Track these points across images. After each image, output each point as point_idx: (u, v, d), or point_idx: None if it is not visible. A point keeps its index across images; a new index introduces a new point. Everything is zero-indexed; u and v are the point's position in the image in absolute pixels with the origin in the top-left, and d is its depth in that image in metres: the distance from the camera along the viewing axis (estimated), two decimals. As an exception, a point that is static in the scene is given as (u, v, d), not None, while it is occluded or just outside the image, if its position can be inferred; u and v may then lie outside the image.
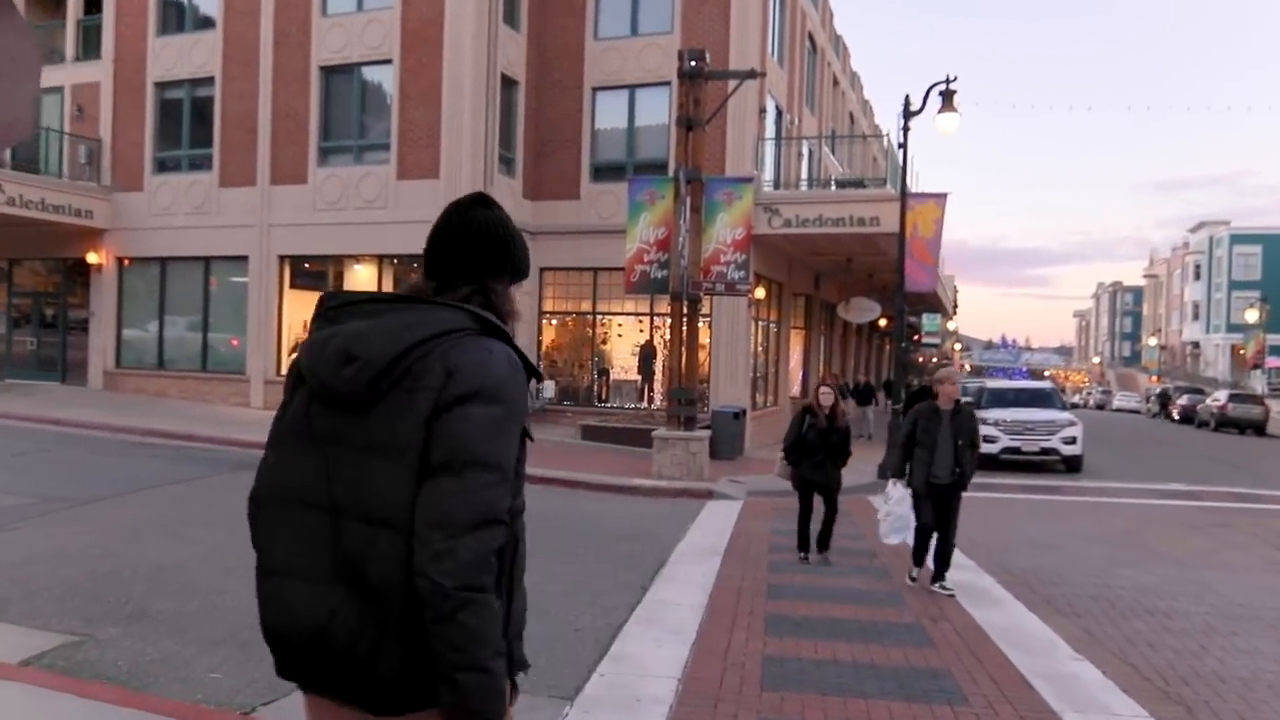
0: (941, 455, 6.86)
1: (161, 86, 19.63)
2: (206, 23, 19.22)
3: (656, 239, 13.57)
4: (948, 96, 15.18)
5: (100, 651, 4.70)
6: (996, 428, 16.78)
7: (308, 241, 17.99)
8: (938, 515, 6.90)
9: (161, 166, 19.66)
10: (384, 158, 17.52)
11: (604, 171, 18.70)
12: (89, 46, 20.48)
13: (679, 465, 12.92)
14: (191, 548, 7.08)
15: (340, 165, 17.90)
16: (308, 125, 18.02)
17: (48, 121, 20.73)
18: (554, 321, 19.54)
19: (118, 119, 19.95)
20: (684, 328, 13.38)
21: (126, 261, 19.93)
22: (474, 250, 1.74)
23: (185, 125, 19.49)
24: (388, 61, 17.46)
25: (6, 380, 20.85)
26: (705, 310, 15.48)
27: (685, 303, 13.35)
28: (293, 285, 18.59)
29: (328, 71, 18.05)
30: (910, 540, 7.13)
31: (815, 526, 8.13)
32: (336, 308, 1.69)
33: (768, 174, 18.39)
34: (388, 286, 17.91)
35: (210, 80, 19.02)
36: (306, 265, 18.61)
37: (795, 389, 21.59)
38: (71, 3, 20.67)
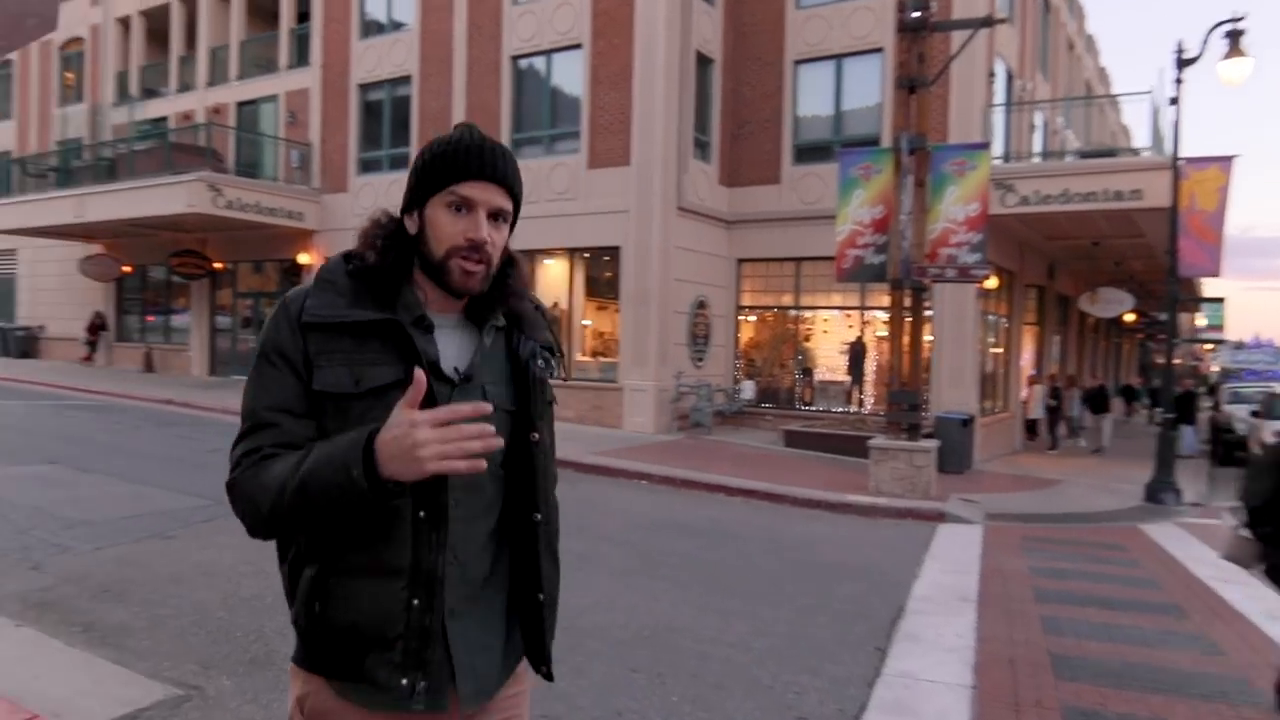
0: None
1: (364, 89, 19.92)
2: (403, 23, 19.27)
3: (872, 219, 11.81)
4: (1234, 39, 12.48)
5: (203, 713, 3.77)
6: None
7: (499, 237, 17.48)
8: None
9: (365, 167, 19.94)
10: (574, 147, 16.74)
11: (807, 152, 17.04)
12: (300, 54, 21.16)
13: (901, 480, 11.13)
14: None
15: (531, 158, 17.30)
16: (499, 118, 17.57)
17: (264, 128, 21.66)
18: (752, 317, 18.09)
19: (326, 123, 20.45)
20: (905, 320, 11.56)
21: (333, 262, 20.35)
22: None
23: (385, 125, 19.66)
24: (577, 46, 16.66)
25: (233, 377, 21.96)
26: (927, 303, 13.51)
27: (907, 292, 11.52)
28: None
29: (518, 61, 17.52)
30: None
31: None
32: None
33: (996, 148, 16.03)
34: (579, 282, 17.14)
35: (408, 79, 19.04)
36: (498, 261, 18.16)
37: (1025, 393, 18.96)
38: (284, 13, 21.44)
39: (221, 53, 22.80)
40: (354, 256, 1.53)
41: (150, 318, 24.55)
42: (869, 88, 16.38)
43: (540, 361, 1.60)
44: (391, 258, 1.52)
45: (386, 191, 19.25)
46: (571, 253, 16.96)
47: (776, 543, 8.32)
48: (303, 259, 20.49)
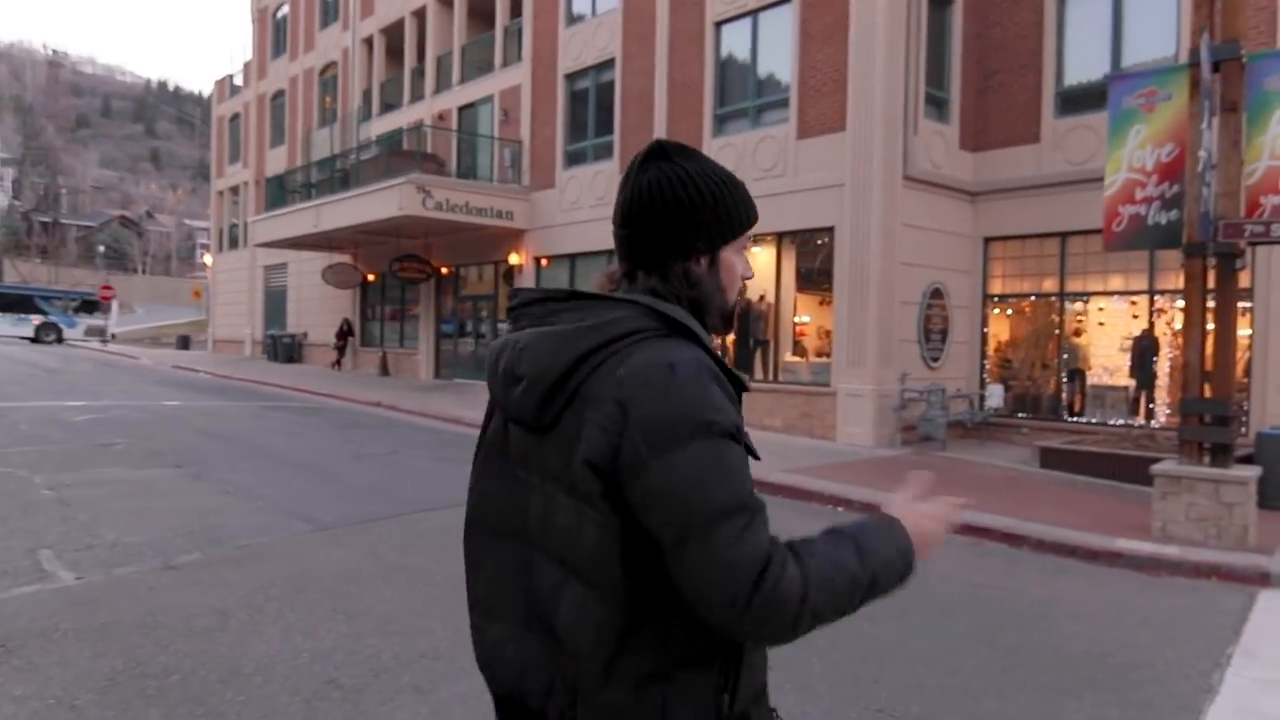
0: None
1: (570, 78, 19.02)
2: (607, 6, 18.12)
3: (1158, 164, 8.67)
4: None
5: None
6: None
7: (703, 224, 15.73)
8: None
9: (570, 160, 19.04)
10: (782, 116, 14.62)
11: (1075, 100, 13.68)
12: (512, 51, 20.75)
13: (1201, 522, 7.99)
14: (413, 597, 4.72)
15: (735, 132, 15.41)
16: (702, 92, 15.85)
17: (482, 129, 21.50)
18: (1004, 308, 14.93)
19: (535, 118, 19.83)
20: (1208, 300, 8.36)
21: (543, 261, 19.68)
22: (646, 225, 1.34)
23: (591, 114, 18.62)
24: (786, 1, 14.53)
25: (455, 380, 22.03)
26: (1243, 277, 10.02)
27: (1212, 260, 8.32)
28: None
29: (721, 28, 15.69)
30: None
31: None
32: (514, 309, 1.42)
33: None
34: (789, 270, 14.97)
35: (611, 63, 17.87)
36: (703, 252, 16.41)
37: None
38: (499, 11, 21.15)
39: (446, 60, 23.05)
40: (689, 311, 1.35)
41: (389, 323, 25.45)
42: (1155, 6, 12.79)
43: None
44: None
45: (590, 184, 18.20)
46: (780, 237, 14.82)
47: (992, 610, 5.82)
48: (513, 259, 19.98)
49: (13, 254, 76.76)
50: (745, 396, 1.33)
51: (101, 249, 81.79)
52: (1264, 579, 7.05)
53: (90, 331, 40.57)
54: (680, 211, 1.32)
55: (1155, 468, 8.38)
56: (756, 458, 1.28)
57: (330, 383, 21.27)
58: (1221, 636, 5.54)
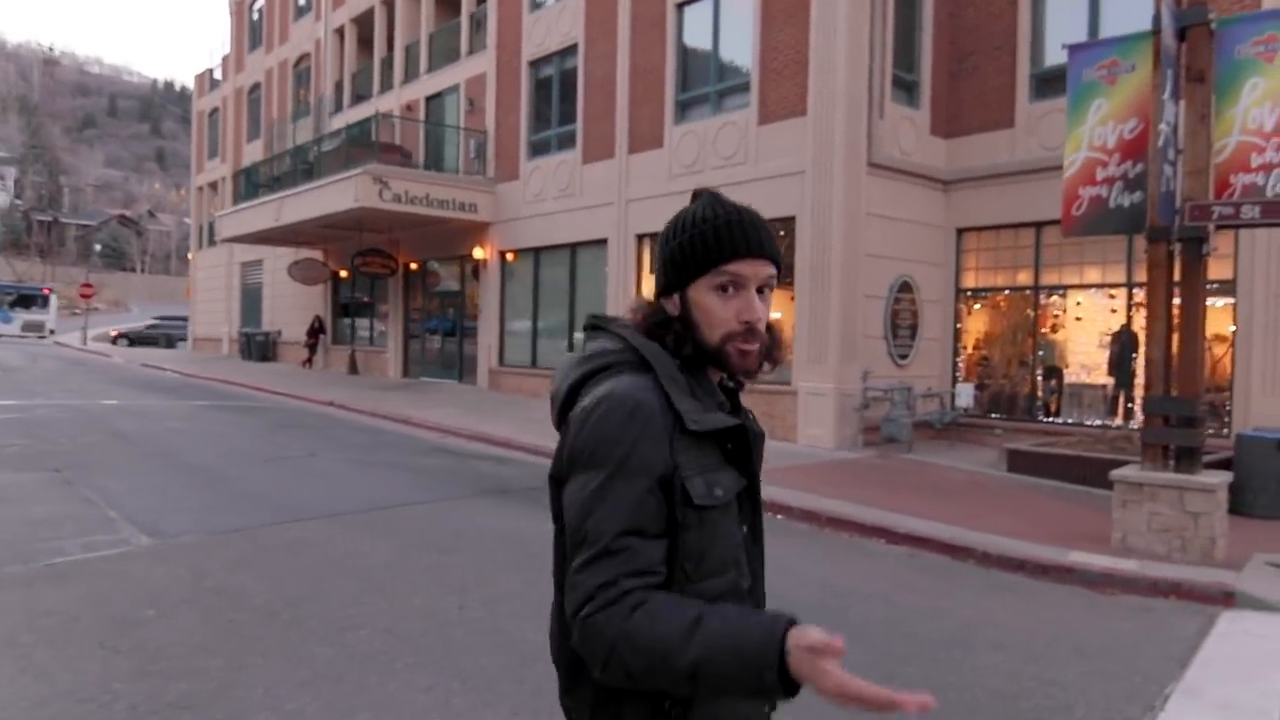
0: None
1: (534, 65, 18.34)
2: (573, -14, 17.45)
3: (1121, 140, 7.93)
4: None
5: None
6: None
7: (665, 215, 14.64)
8: None
9: (534, 150, 18.35)
10: (744, 100, 13.90)
11: (1052, 83, 12.91)
12: (477, 38, 20.08)
13: (1164, 533, 7.26)
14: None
15: (697, 119, 14.71)
16: (664, 77, 15.15)
17: (449, 120, 20.84)
18: (978, 303, 14.17)
19: (500, 106, 19.15)
20: (1173, 290, 7.62)
21: (509, 256, 18.99)
22: (656, 257, 1.51)
23: (555, 102, 17.94)
24: (749, -21, 13.82)
25: (422, 379, 21.38)
26: (1215, 262, 9.31)
27: (1177, 245, 7.58)
28: (653, 270, 15.80)
29: (683, 10, 14.99)
30: None
31: None
32: (585, 329, 1.53)
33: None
34: (749, 263, 14.23)
35: (574, 49, 17.18)
36: (666, 244, 15.69)
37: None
38: (465, -1, 20.51)
39: (414, 49, 22.40)
40: (663, 345, 1.39)
41: (359, 321, 24.81)
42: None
43: (750, 415, 1.50)
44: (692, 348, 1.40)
45: (554, 174, 17.52)
46: (741, 228, 14.07)
47: (908, 637, 5.11)
48: (477, 254, 19.30)
49: (10, 252, 76.53)
50: None
51: (99, 248, 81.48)
52: (1227, 598, 6.32)
53: (28, 327, 39.70)
54: (660, 251, 1.46)
55: (1115, 473, 7.65)
56: (692, 503, 1.28)
57: (294, 382, 20.64)
58: (1164, 671, 4.83)
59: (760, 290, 1.40)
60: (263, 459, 9.88)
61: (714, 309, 1.36)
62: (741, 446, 1.37)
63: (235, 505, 7.51)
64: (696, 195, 1.47)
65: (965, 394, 13.00)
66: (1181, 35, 7.57)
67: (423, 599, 5.13)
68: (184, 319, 38.75)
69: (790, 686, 1.13)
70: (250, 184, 23.80)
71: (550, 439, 6.05)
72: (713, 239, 1.37)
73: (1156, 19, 7.51)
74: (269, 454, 10.30)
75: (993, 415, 13.43)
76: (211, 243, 33.89)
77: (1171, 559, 7.13)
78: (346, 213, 18.38)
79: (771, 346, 1.44)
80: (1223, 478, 7.43)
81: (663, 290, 1.43)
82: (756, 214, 1.42)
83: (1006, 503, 9.38)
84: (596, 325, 1.46)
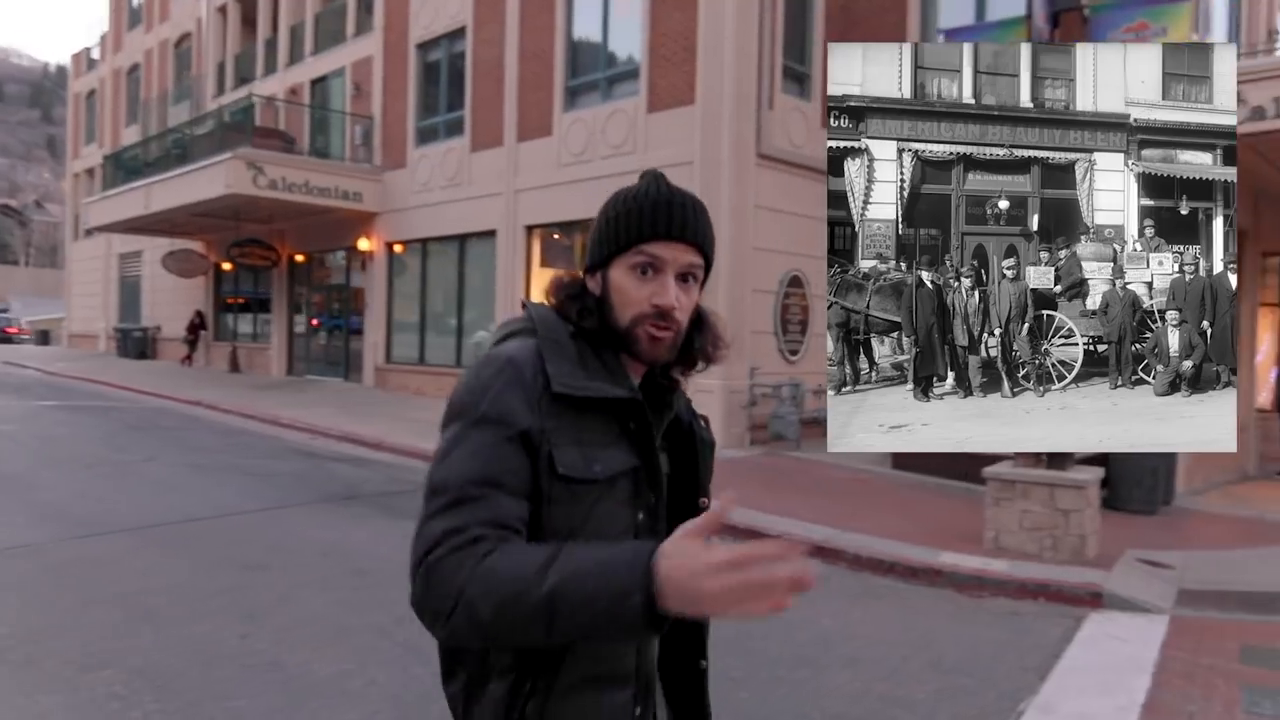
0: None
1: (422, 49, 17.53)
2: (462, -33, 16.72)
3: (995, 128, 7.72)
4: None
5: None
6: None
7: (554, 206, 14.48)
8: None
9: (422, 138, 17.54)
10: (633, 88, 13.44)
11: (940, 77, 12.82)
12: (364, 19, 19.14)
13: (1036, 532, 7.05)
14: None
15: (587, 106, 14.18)
16: (553, 62, 14.57)
17: (335, 104, 19.84)
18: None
19: (387, 91, 18.27)
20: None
21: (395, 247, 18.14)
22: None
23: (443, 88, 17.17)
24: (638, -38, 13.35)
25: (307, 377, 20.32)
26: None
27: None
28: (543, 263, 15.25)
29: (574, -9, 14.45)
30: None
31: None
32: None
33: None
34: (639, 255, 13.78)
35: (463, 32, 16.46)
36: (555, 236, 15.14)
37: (1265, 396, 13.71)
38: (352, -24, 19.52)
39: (299, 30, 21.28)
40: (563, 315, 1.34)
41: (242, 316, 23.52)
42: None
43: (701, 422, 1.51)
44: (601, 322, 1.33)
45: (442, 163, 16.76)
46: (631, 220, 13.61)
47: (754, 652, 4.68)
48: (363, 245, 18.38)
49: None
50: None
51: (-24, 239, 76.40)
52: (1095, 599, 6.11)
53: None
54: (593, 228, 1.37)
55: (988, 470, 7.42)
56: (558, 474, 1.21)
57: (167, 380, 19.34)
58: (1021, 684, 4.51)
59: (685, 279, 1.33)
60: (85, 464, 8.93)
61: (628, 289, 1.31)
62: (643, 427, 1.28)
63: (26, 518, 6.65)
64: (642, 176, 1.37)
65: (854, 390, 12.79)
66: (1055, 20, 7.39)
67: (206, 627, 4.46)
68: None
69: (657, 619, 1.02)
70: (120, 169, 22.26)
71: (423, 438, 5.46)
72: (635, 217, 1.31)
73: (1029, 3, 7.32)
74: (99, 459, 9.35)
75: (883, 412, 13.26)
76: (88, 233, 31.88)
77: (1043, 558, 6.92)
78: (219, 200, 17.26)
79: (702, 340, 1.41)
80: (1094, 474, 7.27)
81: (588, 268, 1.38)
82: (696, 200, 1.34)
83: (888, 501, 9.14)
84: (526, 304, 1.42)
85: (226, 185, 16.35)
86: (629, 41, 13.63)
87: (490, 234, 15.69)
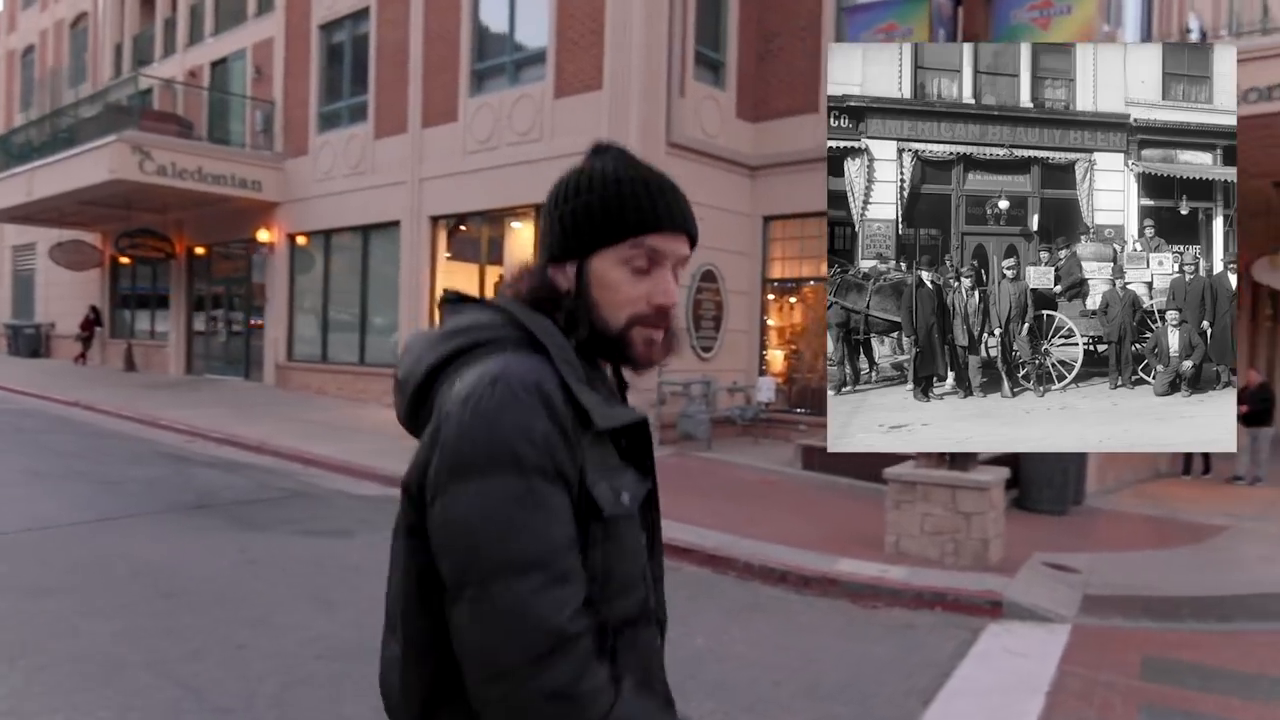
0: None
1: (326, 29, 16.65)
2: (366, -56, 15.90)
3: (898, 111, 7.33)
4: None
5: None
6: None
7: (459, 196, 13.78)
8: None
9: (325, 124, 16.66)
10: (540, 73, 12.83)
11: (855, 66, 12.48)
12: (266, -2, 18.18)
13: (937, 536, 6.68)
14: None
15: (493, 90, 13.53)
16: (458, 45, 13.87)
17: (235, 88, 18.81)
18: (785, 294, 13.63)
19: (289, 75, 17.33)
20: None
21: (297, 238, 17.23)
22: (540, 223, 1.23)
23: (346, 71, 16.33)
24: (546, -60, 12.75)
25: (206, 376, 19.23)
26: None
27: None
28: (449, 256, 14.53)
29: (480, -30, 13.79)
30: None
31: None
32: (441, 306, 1.25)
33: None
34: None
35: (366, 12, 15.64)
36: (462, 228, 14.43)
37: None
38: (252, -47, 18.52)
39: (199, 9, 20.16)
40: (552, 319, 1.16)
41: (139, 312, 22.22)
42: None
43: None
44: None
45: (345, 150, 15.94)
46: (538, 210, 12.96)
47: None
48: (262, 236, 17.41)
49: None
50: None
51: None
52: (995, 609, 5.73)
53: None
54: (551, 209, 1.20)
55: (889, 471, 7.04)
56: (599, 514, 1.07)
57: (52, 380, 18.08)
58: (903, 712, 4.05)
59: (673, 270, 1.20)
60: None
61: (621, 286, 1.15)
62: (639, 443, 1.16)
63: None
64: (599, 150, 1.23)
65: (766, 388, 12.39)
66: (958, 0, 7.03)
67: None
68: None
69: None
70: (7, 154, 20.82)
71: (311, 440, 4.54)
72: (631, 204, 1.15)
73: (933, -22, 6.94)
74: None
75: (799, 410, 12.90)
76: (-22, 224, 30.00)
77: (944, 564, 6.55)
78: (104, 186, 16.13)
79: (672, 335, 1.24)
80: (998, 475, 6.92)
81: (553, 258, 1.18)
82: (675, 181, 1.20)
83: (793, 504, 8.71)
84: (458, 298, 1.20)
85: (110, 170, 15.26)
86: (536, 24, 13.02)
87: (394, 225, 14.92)
